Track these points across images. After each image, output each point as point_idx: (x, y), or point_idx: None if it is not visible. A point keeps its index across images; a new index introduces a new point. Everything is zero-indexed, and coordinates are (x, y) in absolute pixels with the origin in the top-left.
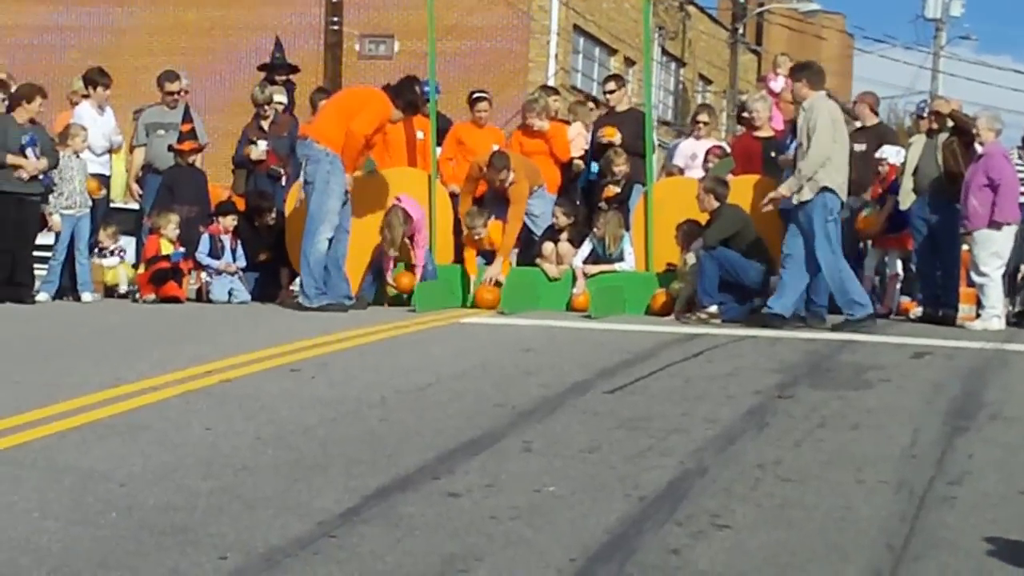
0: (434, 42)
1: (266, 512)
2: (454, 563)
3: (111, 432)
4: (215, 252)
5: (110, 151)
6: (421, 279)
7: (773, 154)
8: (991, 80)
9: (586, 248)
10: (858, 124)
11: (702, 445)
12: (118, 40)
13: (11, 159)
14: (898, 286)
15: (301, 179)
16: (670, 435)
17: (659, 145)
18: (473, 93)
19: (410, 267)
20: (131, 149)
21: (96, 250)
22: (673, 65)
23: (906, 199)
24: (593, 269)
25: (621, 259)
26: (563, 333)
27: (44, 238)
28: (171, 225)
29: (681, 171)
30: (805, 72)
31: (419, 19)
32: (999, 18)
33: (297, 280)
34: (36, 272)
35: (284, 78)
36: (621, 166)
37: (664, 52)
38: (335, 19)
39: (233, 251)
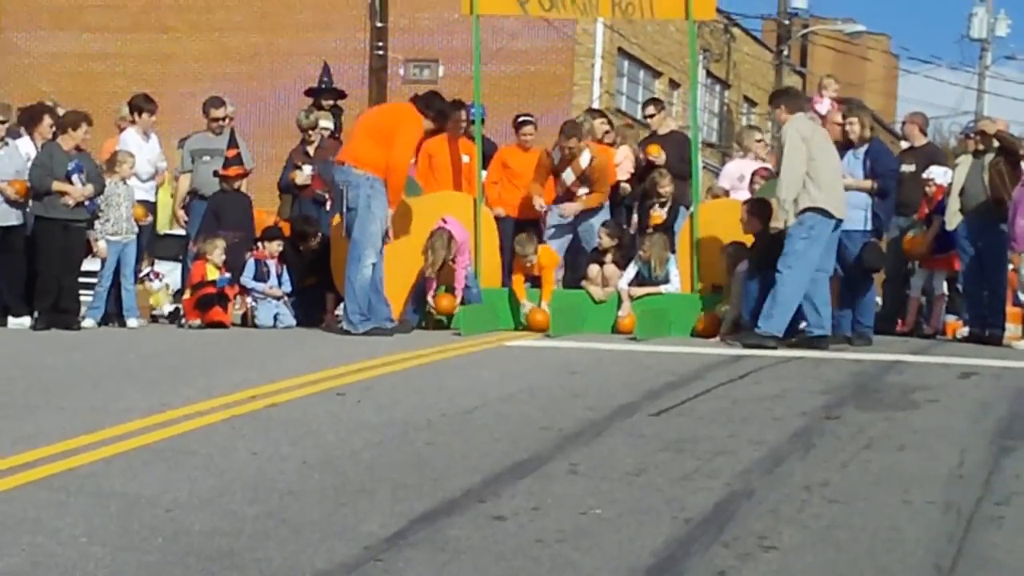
0: (479, 66)
1: (312, 536)
2: None
3: (157, 457)
4: (260, 277)
5: (155, 177)
6: (465, 302)
7: None
8: None
9: (631, 271)
10: (905, 144)
11: (748, 467)
12: (163, 67)
13: (57, 186)
14: (944, 306)
15: (342, 205)
16: (716, 457)
17: (704, 167)
18: (518, 117)
19: (451, 289)
20: (176, 176)
21: (143, 275)
22: (718, 87)
23: (952, 220)
24: (639, 291)
25: (667, 281)
26: (609, 355)
27: (90, 264)
28: (217, 250)
29: (727, 192)
30: (782, 98)
31: (463, 43)
32: None
33: (341, 305)
34: (82, 298)
35: (331, 103)
36: (666, 187)
37: (709, 74)
38: (380, 44)
39: (279, 276)
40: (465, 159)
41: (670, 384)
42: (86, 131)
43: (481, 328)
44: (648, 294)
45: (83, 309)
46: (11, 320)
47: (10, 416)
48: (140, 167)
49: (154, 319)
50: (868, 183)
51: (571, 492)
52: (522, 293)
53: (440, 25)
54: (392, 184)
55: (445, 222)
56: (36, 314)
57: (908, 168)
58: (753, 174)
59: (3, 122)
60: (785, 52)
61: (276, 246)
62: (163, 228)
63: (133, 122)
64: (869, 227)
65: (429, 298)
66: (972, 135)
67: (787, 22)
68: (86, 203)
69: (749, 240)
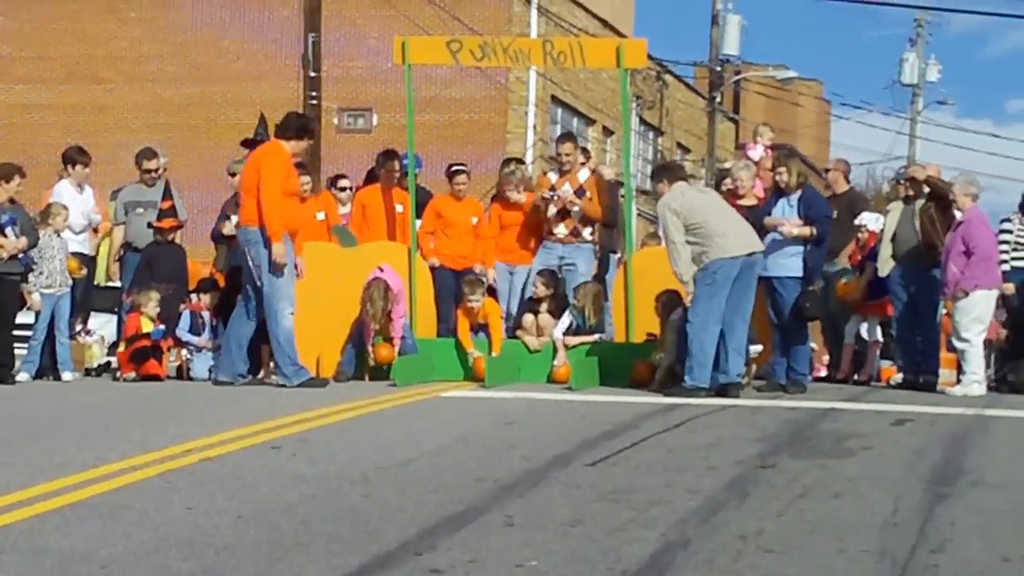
0: (412, 115)
1: None
2: None
3: (93, 513)
4: (195, 329)
5: (88, 229)
6: (401, 352)
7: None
8: (970, 144)
9: (566, 320)
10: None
11: (684, 516)
12: (97, 117)
13: None
14: (878, 353)
15: (247, 264)
16: (652, 507)
17: (639, 214)
18: (451, 166)
19: (388, 339)
20: (110, 228)
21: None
22: (651, 134)
23: (885, 266)
24: (573, 340)
25: (601, 330)
26: (544, 405)
27: (24, 317)
28: (151, 303)
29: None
30: (663, 174)
31: (397, 92)
32: (977, 82)
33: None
34: (16, 351)
35: None
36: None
37: (642, 121)
38: (313, 94)
39: (214, 328)
40: (399, 209)
41: (605, 434)
42: (19, 183)
43: (417, 379)
44: (583, 343)
45: (17, 363)
46: None
47: None
48: (74, 220)
49: (88, 372)
50: (808, 230)
51: (507, 544)
52: (468, 342)
53: (374, 74)
54: (265, 219)
55: (381, 271)
56: None
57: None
58: None
59: None
60: (718, 98)
61: (211, 298)
62: (100, 280)
63: (66, 174)
64: (803, 274)
65: (368, 347)
66: (903, 181)
67: (719, 69)
68: (20, 256)
69: (683, 289)
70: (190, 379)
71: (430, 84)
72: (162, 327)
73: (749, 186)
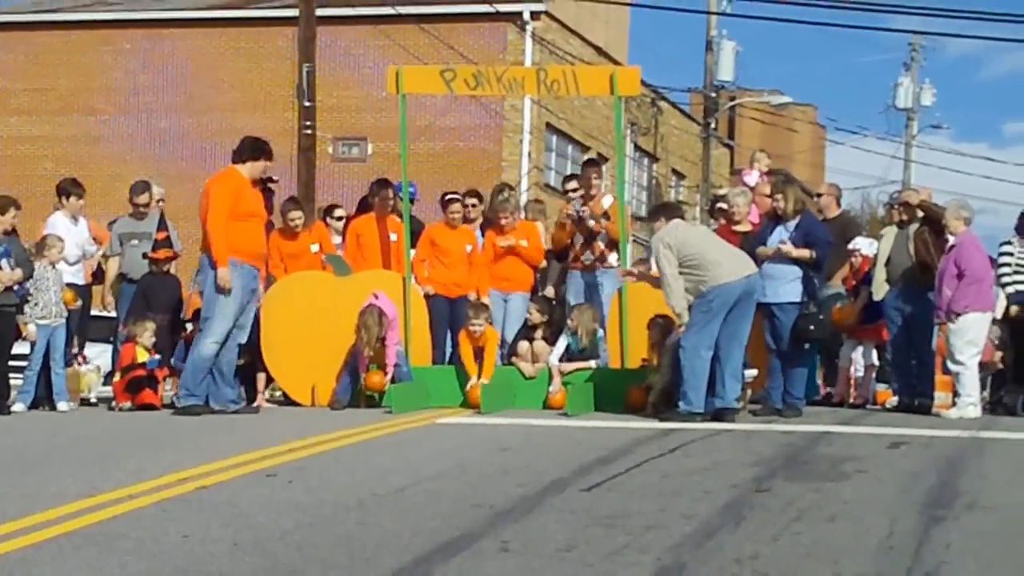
0: (406, 144)
1: None
2: None
3: (88, 542)
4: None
5: (82, 260)
6: (395, 380)
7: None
8: (965, 168)
9: (561, 344)
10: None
11: (679, 541)
12: (92, 149)
13: None
14: (873, 376)
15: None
16: (647, 532)
17: (634, 240)
18: (445, 194)
19: (382, 366)
20: (106, 259)
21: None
22: (646, 161)
23: (879, 290)
24: (569, 367)
25: (596, 356)
26: (540, 431)
27: (19, 348)
28: (147, 333)
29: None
30: (662, 212)
31: (392, 121)
32: (972, 106)
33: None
34: (12, 382)
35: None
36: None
37: (637, 148)
38: (308, 123)
39: None
40: (393, 237)
41: (601, 459)
42: (15, 215)
43: (412, 406)
44: (578, 369)
45: (13, 393)
46: None
47: None
48: (68, 251)
49: (84, 402)
50: (807, 252)
51: (503, 570)
52: (472, 369)
53: (368, 103)
54: (209, 244)
55: (376, 298)
56: None
57: None
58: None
59: None
60: (712, 124)
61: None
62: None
63: (61, 205)
64: (801, 299)
65: (361, 375)
66: (896, 206)
67: (714, 95)
68: (15, 287)
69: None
70: None
71: (425, 112)
72: (157, 357)
73: (745, 212)
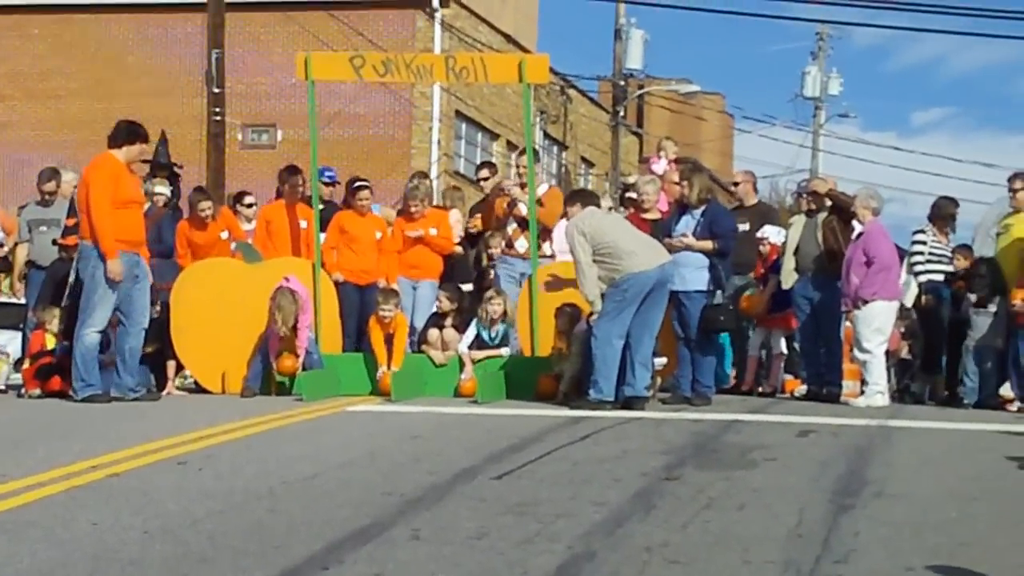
0: (316, 130)
1: None
2: None
3: None
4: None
5: None
6: (306, 367)
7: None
8: (872, 157)
9: (471, 332)
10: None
11: (590, 529)
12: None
13: None
14: (782, 365)
15: (74, 277)
16: (558, 519)
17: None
18: (353, 181)
19: (293, 351)
20: (15, 246)
21: None
22: (555, 148)
23: (788, 278)
24: (479, 355)
25: (506, 344)
26: (451, 419)
27: None
28: (55, 320)
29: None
30: (578, 198)
31: (301, 108)
32: (880, 95)
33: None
34: None
35: (168, 171)
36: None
37: (546, 135)
38: (217, 110)
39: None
40: (303, 224)
41: (511, 447)
42: None
43: (323, 393)
44: (489, 357)
45: None
46: None
47: None
48: None
49: None
50: (709, 243)
51: (414, 558)
52: (383, 356)
53: (277, 90)
54: (97, 236)
55: (287, 280)
56: None
57: (742, 227)
58: None
59: None
60: (621, 113)
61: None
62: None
63: None
64: (708, 287)
65: (272, 360)
66: (804, 195)
67: (623, 83)
68: None
69: (587, 306)
70: None
71: (334, 99)
72: (66, 343)
73: (654, 200)
